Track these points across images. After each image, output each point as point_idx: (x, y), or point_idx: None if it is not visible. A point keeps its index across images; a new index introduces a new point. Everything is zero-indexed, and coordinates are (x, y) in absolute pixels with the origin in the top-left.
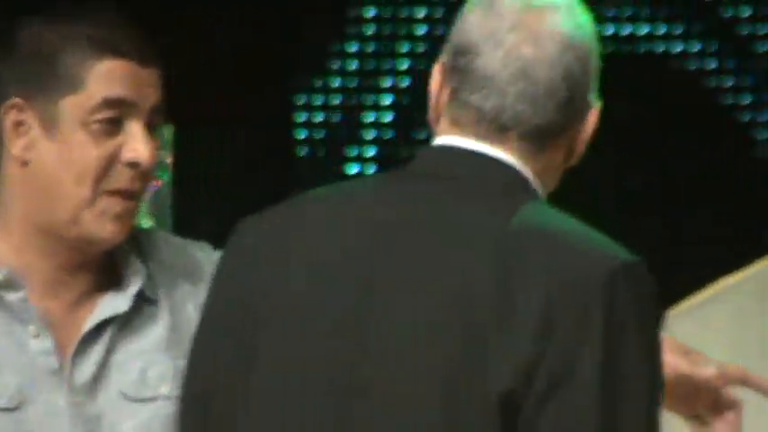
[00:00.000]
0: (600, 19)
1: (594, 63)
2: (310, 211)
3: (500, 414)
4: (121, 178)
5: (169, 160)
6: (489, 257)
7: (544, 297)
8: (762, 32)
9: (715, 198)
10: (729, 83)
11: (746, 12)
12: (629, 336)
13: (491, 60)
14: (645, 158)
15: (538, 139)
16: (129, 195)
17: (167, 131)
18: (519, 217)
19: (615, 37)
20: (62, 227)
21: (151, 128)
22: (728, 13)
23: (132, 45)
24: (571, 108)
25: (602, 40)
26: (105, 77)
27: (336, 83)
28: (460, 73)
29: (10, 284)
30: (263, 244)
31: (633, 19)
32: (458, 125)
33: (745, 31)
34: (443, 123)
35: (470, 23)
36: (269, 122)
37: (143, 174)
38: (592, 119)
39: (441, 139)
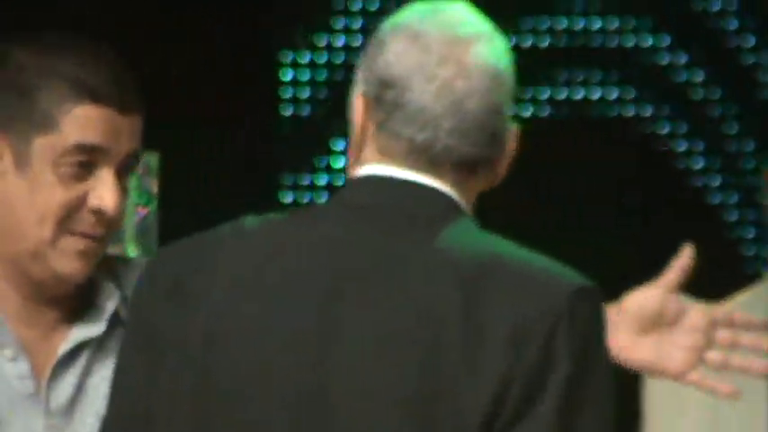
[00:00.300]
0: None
1: (512, 89)
2: (251, 236)
3: None
4: (85, 222)
5: (155, 188)
6: (451, 284)
7: (511, 322)
8: (715, 96)
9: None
10: (682, 147)
11: (700, 76)
12: (592, 356)
13: (423, 94)
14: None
15: (468, 169)
16: (92, 238)
17: (153, 159)
18: (474, 244)
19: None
20: (26, 262)
21: (123, 172)
22: (682, 78)
23: (114, 91)
24: (498, 137)
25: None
26: (80, 122)
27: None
28: (389, 105)
29: None
30: (195, 272)
31: (585, 83)
32: (387, 155)
33: (700, 95)
34: (369, 153)
35: (395, 55)
36: (252, 157)
37: (107, 221)
38: (512, 143)
39: (371, 168)
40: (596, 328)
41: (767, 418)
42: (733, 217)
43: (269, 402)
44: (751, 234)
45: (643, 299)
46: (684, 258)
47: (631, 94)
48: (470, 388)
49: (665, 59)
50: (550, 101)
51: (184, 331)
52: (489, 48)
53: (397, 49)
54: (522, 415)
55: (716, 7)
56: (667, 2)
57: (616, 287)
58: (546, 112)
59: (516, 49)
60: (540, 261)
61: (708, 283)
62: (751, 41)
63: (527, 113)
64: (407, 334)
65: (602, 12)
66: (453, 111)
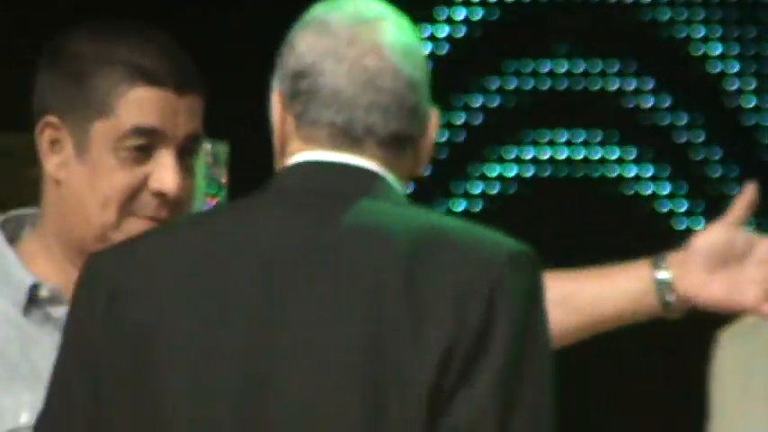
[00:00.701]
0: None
1: (427, 69)
2: (185, 235)
3: (426, 410)
4: (148, 206)
5: (224, 179)
6: (391, 260)
7: (451, 292)
8: (716, 157)
9: None
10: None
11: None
12: (531, 319)
13: (335, 76)
14: None
15: (393, 147)
16: (156, 221)
17: (222, 149)
18: (408, 219)
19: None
20: (91, 246)
21: (185, 155)
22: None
23: (169, 72)
24: (418, 115)
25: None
26: (136, 105)
27: None
28: (305, 95)
29: (56, 299)
30: (137, 274)
31: (586, 143)
32: (312, 142)
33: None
34: (294, 145)
35: (304, 47)
36: None
37: (170, 203)
38: (433, 125)
39: (297, 157)
40: (535, 292)
41: None
42: None
43: (212, 395)
44: None
45: (710, 236)
46: (748, 193)
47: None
48: (415, 361)
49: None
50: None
51: (122, 338)
52: (396, 26)
53: (307, 41)
54: (465, 382)
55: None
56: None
57: None
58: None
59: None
60: (475, 230)
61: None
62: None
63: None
64: (349, 315)
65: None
66: (368, 89)
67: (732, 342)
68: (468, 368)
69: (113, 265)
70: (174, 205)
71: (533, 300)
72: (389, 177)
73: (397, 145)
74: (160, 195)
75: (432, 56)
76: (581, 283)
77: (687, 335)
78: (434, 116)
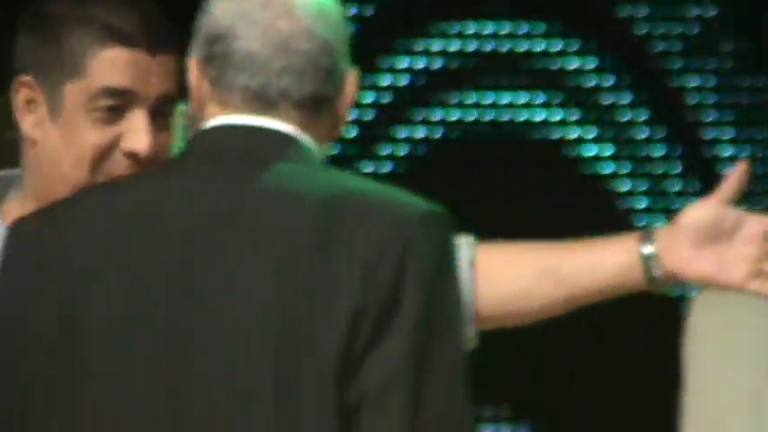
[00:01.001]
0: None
1: (344, 30)
2: (106, 201)
3: (337, 375)
4: (120, 166)
5: None
6: (304, 222)
7: (362, 252)
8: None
9: None
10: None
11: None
12: (442, 278)
13: (249, 40)
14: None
15: (309, 109)
16: None
17: None
18: (322, 181)
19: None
20: None
21: (159, 116)
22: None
23: (141, 32)
24: (334, 76)
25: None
26: (108, 65)
27: None
28: (219, 59)
29: None
30: (56, 246)
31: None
32: (228, 106)
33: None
34: (211, 109)
35: (219, 11)
36: None
37: (142, 163)
38: (351, 85)
39: (214, 121)
40: (445, 252)
41: None
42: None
43: (132, 365)
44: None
45: (699, 212)
46: (739, 170)
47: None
48: (326, 326)
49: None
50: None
51: (47, 308)
52: None
53: (222, 5)
54: (376, 345)
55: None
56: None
57: None
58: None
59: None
60: (388, 192)
61: None
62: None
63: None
64: (263, 281)
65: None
66: (281, 52)
67: (707, 308)
68: (379, 331)
69: (37, 236)
70: (146, 165)
71: (444, 260)
72: (305, 140)
73: (313, 107)
74: (132, 156)
75: (357, 18)
76: (566, 256)
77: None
78: (352, 77)
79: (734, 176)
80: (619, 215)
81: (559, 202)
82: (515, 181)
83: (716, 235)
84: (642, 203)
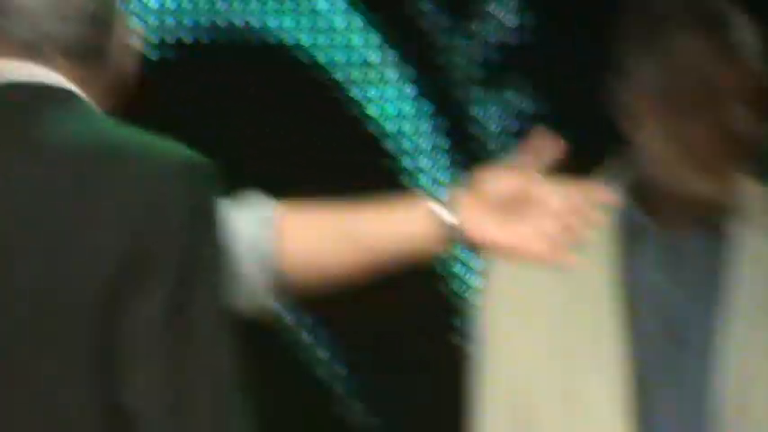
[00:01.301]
0: None
1: None
2: None
3: (92, 332)
4: None
5: None
6: (64, 175)
7: (122, 206)
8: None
9: None
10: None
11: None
12: (204, 232)
13: None
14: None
15: (77, 56)
16: None
17: None
18: (84, 133)
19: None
20: None
21: None
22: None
23: None
24: (100, 20)
25: None
26: None
27: None
28: None
29: None
30: None
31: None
32: (2, 56)
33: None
34: None
35: None
36: None
37: None
38: (123, 29)
39: None
40: (210, 200)
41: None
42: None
43: None
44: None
45: (500, 181)
46: (537, 138)
47: None
48: (82, 283)
49: None
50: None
51: None
52: None
53: None
54: (134, 302)
55: None
56: None
57: None
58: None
59: None
60: (151, 142)
61: None
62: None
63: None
64: (23, 238)
65: None
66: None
67: (501, 272)
68: (138, 287)
69: None
70: None
71: (205, 214)
72: (74, 89)
73: (80, 55)
74: None
75: None
76: (368, 221)
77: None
78: (123, 18)
79: (530, 145)
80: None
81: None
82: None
83: (518, 206)
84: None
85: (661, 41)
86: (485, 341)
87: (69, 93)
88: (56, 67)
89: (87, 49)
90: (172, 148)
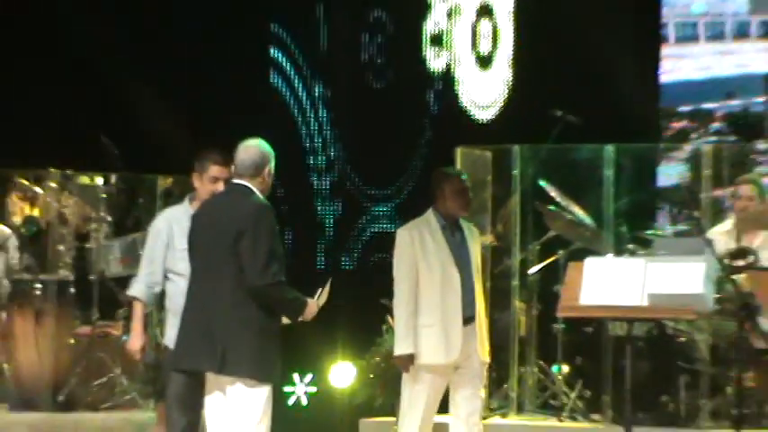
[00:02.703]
0: None
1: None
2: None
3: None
4: None
5: None
6: (229, 207)
7: (239, 213)
8: None
9: None
10: None
11: None
12: (260, 224)
13: None
14: None
15: (251, 175)
16: None
17: None
18: (243, 198)
19: None
20: None
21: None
22: None
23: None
24: (260, 165)
25: None
26: None
27: None
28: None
29: None
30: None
31: None
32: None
33: None
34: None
35: None
36: None
37: None
38: (269, 168)
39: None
40: (261, 216)
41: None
42: None
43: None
44: None
45: None
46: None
47: None
48: (230, 233)
49: None
50: None
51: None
52: None
53: None
54: (241, 237)
55: None
56: None
57: None
58: None
59: None
60: (252, 198)
61: None
62: None
63: None
64: (219, 222)
65: None
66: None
67: (407, 229)
68: (241, 237)
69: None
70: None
71: (259, 221)
72: (251, 186)
73: (251, 175)
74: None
75: None
76: None
77: None
78: (270, 165)
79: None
80: None
81: None
82: None
83: None
84: None
85: None
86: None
87: (248, 188)
88: (246, 179)
89: (255, 171)
90: (255, 198)
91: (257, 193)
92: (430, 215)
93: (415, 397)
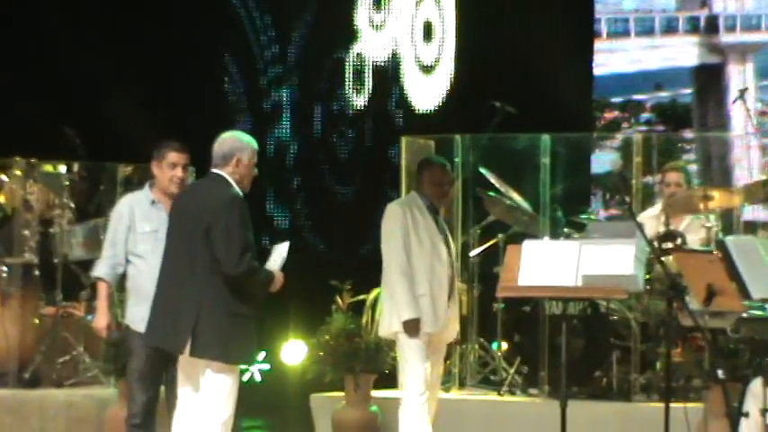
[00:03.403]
0: None
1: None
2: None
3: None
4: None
5: None
6: (201, 194)
7: (211, 201)
8: None
9: None
10: None
11: None
12: (229, 212)
13: None
14: None
15: (220, 164)
16: None
17: None
18: (213, 185)
19: None
20: None
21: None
22: None
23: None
24: (229, 154)
25: None
26: None
27: None
28: None
29: None
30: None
31: None
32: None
33: None
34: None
35: None
36: None
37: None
38: (241, 156)
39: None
40: (231, 204)
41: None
42: None
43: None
44: None
45: None
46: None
47: None
48: (202, 219)
49: None
50: None
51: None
52: None
53: None
54: (214, 225)
55: None
56: None
57: None
58: None
59: None
60: (224, 188)
61: None
62: None
63: None
64: (192, 209)
65: None
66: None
67: (399, 204)
68: (214, 224)
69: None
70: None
71: (228, 208)
72: (223, 174)
73: (221, 164)
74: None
75: None
76: None
77: None
78: (242, 154)
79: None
80: None
81: None
82: None
83: None
84: None
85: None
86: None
87: (221, 176)
88: (219, 168)
89: (224, 161)
90: (227, 188)
91: (231, 181)
92: (415, 196)
93: (415, 362)
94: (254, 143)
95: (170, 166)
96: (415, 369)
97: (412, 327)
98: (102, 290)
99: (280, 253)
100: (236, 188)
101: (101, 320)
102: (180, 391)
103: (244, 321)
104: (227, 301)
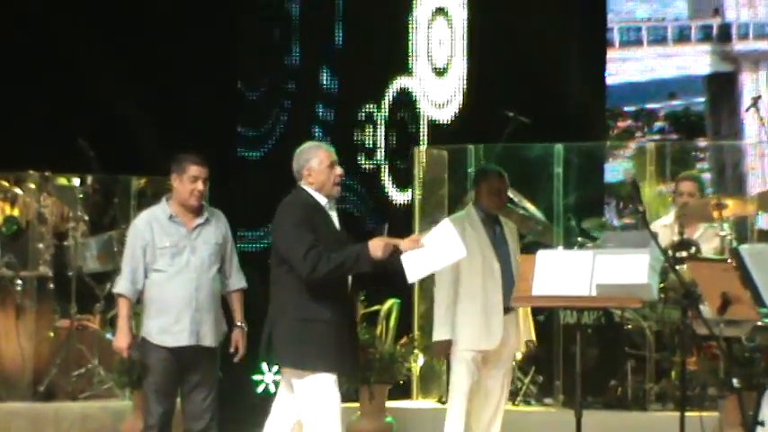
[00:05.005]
0: None
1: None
2: None
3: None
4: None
5: None
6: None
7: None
8: None
9: None
10: None
11: None
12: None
13: None
14: None
15: (298, 178)
16: None
17: None
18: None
19: None
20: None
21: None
22: None
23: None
24: (299, 167)
25: None
26: None
27: None
28: None
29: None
30: None
31: None
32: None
33: None
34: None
35: None
36: None
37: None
38: (317, 165)
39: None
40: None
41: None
42: None
43: None
44: None
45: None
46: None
47: None
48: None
49: None
50: None
51: None
52: None
53: None
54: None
55: None
56: None
57: None
58: None
59: None
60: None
61: None
62: None
63: None
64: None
65: None
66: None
67: (450, 221)
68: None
69: None
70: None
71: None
72: (302, 185)
73: (297, 177)
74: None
75: None
76: None
77: None
78: (316, 162)
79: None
80: None
81: None
82: None
83: None
84: None
85: None
86: None
87: (297, 189)
88: (300, 181)
89: (299, 175)
90: (290, 197)
91: (309, 191)
92: (471, 209)
93: (459, 381)
94: (321, 147)
95: (191, 180)
96: (457, 383)
97: (441, 347)
98: (123, 308)
99: (444, 232)
100: (315, 196)
101: (122, 340)
102: (277, 394)
103: (318, 326)
104: (299, 307)
